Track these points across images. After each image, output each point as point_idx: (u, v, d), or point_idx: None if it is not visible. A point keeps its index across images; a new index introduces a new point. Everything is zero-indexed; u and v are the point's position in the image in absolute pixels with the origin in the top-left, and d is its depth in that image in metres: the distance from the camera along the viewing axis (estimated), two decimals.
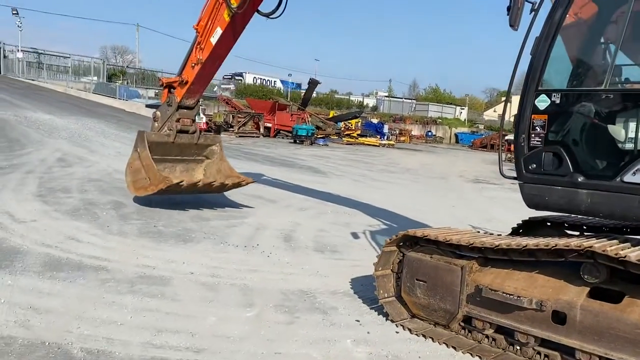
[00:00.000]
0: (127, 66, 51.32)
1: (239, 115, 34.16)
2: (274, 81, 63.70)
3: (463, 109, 72.71)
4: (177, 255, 6.71)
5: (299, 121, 34.14)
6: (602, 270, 3.96)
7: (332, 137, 37.65)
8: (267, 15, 8.22)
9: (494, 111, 76.36)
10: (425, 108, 65.40)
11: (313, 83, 40.37)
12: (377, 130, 45.61)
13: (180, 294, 5.41)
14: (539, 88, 4.39)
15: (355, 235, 8.80)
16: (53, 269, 5.80)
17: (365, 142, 38.58)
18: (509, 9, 4.34)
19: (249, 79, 59.39)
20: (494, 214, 12.17)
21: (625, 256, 3.70)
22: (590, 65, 4.56)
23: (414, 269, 4.93)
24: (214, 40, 8.38)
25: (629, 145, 4.00)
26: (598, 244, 3.94)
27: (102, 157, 15.36)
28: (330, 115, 43.86)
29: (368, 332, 4.76)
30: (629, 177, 3.95)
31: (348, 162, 23.80)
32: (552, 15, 4.33)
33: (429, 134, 53.64)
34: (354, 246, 8.13)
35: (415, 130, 53.22)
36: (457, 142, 54.53)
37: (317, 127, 35.50)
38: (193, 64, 8.75)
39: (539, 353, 4.25)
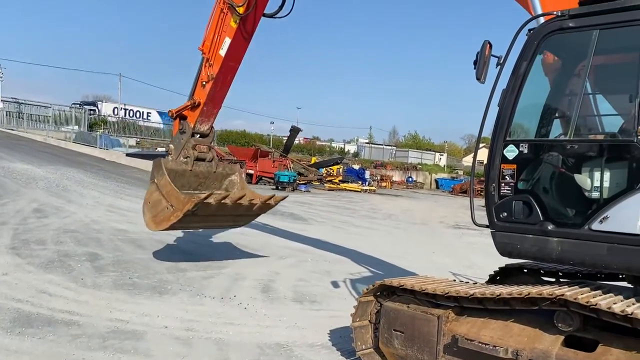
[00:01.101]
0: (108, 115, 51.39)
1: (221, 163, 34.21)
2: (148, 113, 56.34)
3: (442, 155, 73.88)
4: (152, 309, 6.57)
5: (281, 167, 34.31)
6: (575, 319, 3.97)
7: (314, 183, 37.82)
8: (272, 16, 8.10)
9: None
10: (405, 154, 66.35)
11: (295, 130, 40.87)
12: (358, 176, 45.96)
13: (154, 350, 5.26)
14: (507, 139, 4.50)
15: (335, 284, 8.73)
16: (22, 325, 5.63)
17: (347, 188, 38.76)
18: (475, 62, 4.50)
19: (106, 109, 53.02)
20: (474, 260, 12.19)
21: (596, 304, 3.73)
22: (555, 116, 4.70)
23: (392, 319, 4.88)
24: (223, 51, 7.99)
25: (595, 194, 4.10)
26: (570, 292, 3.97)
27: (80, 207, 15.17)
28: (312, 162, 44.20)
29: None
30: (596, 225, 4.02)
31: (330, 208, 23.84)
32: (517, 68, 4.50)
33: (410, 179, 54.20)
34: (333, 296, 8.05)
35: (396, 176, 53.76)
36: (437, 187, 55.10)
37: (299, 174, 35.69)
38: (204, 83, 8.20)
39: None
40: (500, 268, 6.02)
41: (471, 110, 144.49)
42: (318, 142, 63.90)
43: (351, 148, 67.11)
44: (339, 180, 41.72)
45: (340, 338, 5.95)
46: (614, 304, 3.80)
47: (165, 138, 47.70)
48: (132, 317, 6.17)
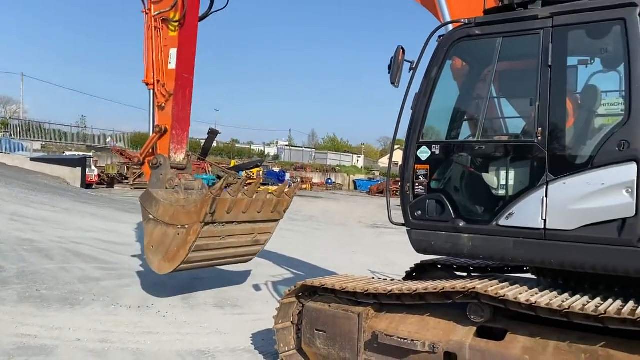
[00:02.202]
0: (10, 117, 47.88)
1: (134, 167, 32.95)
2: None
3: (360, 156, 75.58)
4: (63, 321, 6.20)
5: (199, 171, 33.58)
6: (486, 310, 4.20)
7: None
8: (207, 15, 7.85)
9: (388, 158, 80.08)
10: (325, 156, 67.24)
11: (213, 133, 40.12)
12: (279, 179, 45.94)
13: None
14: (420, 140, 4.69)
15: (257, 288, 8.68)
16: None
17: (268, 191, 38.56)
18: (389, 67, 4.66)
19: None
20: (391, 259, 12.57)
21: (504, 295, 3.98)
22: (464, 119, 4.96)
23: (314, 319, 4.93)
24: (172, 64, 7.55)
25: (502, 192, 4.37)
26: (481, 285, 4.20)
27: None
28: (232, 165, 43.65)
29: None
30: (503, 221, 4.29)
31: None
32: (428, 73, 4.70)
33: (329, 181, 54.99)
34: (255, 299, 8.00)
35: (316, 178, 54.33)
36: (355, 188, 56.29)
37: (218, 177, 35.10)
38: (162, 105, 7.58)
39: None
40: (415, 265, 6.26)
41: (386, 113, 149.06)
42: (237, 145, 63.18)
43: (271, 151, 67.05)
44: (260, 183, 41.49)
45: (263, 341, 5.92)
46: (520, 294, 4.06)
47: (73, 141, 45.23)
48: (40, 331, 5.80)
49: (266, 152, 64.35)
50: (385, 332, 4.47)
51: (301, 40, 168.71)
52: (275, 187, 35.94)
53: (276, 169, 50.35)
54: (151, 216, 6.98)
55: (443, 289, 4.26)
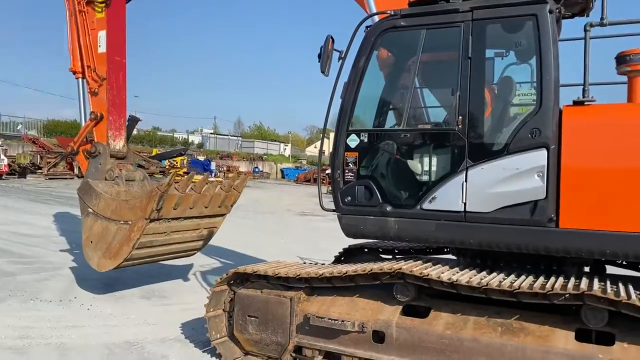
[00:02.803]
0: None
1: (49, 156, 31.20)
2: None
3: (287, 145, 75.65)
4: None
5: None
6: (411, 289, 4.42)
7: (157, 175, 36.25)
8: None
9: (315, 147, 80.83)
10: (251, 145, 66.70)
11: (133, 120, 38.57)
12: (204, 168, 45.09)
13: None
14: (349, 128, 4.83)
15: (185, 278, 8.56)
16: None
17: (193, 180, 37.81)
18: (319, 56, 4.74)
19: None
20: (321, 245, 12.76)
21: (428, 274, 4.21)
22: (390, 108, 5.15)
23: (246, 305, 4.96)
24: (102, 48, 7.19)
25: (425, 177, 4.59)
26: (406, 266, 4.41)
27: None
28: (154, 154, 42.28)
29: None
30: (426, 205, 4.51)
31: None
32: (356, 63, 4.83)
33: (256, 170, 54.63)
34: (183, 289, 7.89)
35: (243, 167, 53.79)
36: (282, 177, 56.31)
37: (140, 166, 33.92)
38: (95, 90, 7.22)
39: None
40: (344, 249, 6.45)
41: (312, 102, 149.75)
42: (159, 133, 61.21)
43: (195, 139, 65.53)
44: (183, 172, 40.58)
45: (193, 330, 5.88)
46: (442, 273, 4.31)
47: None
48: None
49: (190, 140, 62.80)
50: (316, 315, 4.60)
51: (225, 26, 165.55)
52: (200, 177, 35.38)
53: (201, 158, 49.37)
54: (90, 210, 6.66)
55: (371, 270, 4.43)
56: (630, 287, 4.00)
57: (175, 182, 6.40)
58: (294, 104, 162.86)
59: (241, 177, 7.28)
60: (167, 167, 39.84)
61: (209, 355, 5.13)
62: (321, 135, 5.33)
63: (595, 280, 4.08)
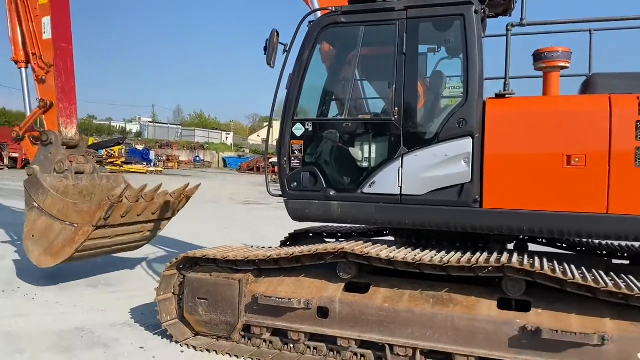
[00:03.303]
0: None
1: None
2: None
3: (229, 134, 74.90)
4: None
5: None
6: (353, 267, 4.78)
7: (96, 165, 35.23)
8: None
9: (258, 136, 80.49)
10: (192, 133, 65.61)
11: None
12: (143, 157, 44.14)
13: None
14: (295, 118, 5.10)
15: (130, 267, 8.59)
16: None
17: (132, 170, 36.96)
18: (265, 49, 4.97)
19: None
20: (264, 232, 12.99)
21: (368, 253, 4.57)
22: (333, 99, 5.45)
23: (195, 288, 5.17)
24: (48, 34, 6.99)
25: (365, 164, 4.94)
26: (348, 246, 4.76)
27: None
28: (90, 143, 40.88)
29: (153, 357, 4.83)
30: (366, 189, 4.87)
31: None
32: (301, 56, 5.10)
33: (197, 159, 53.90)
34: (129, 278, 7.94)
35: (183, 156, 52.96)
36: (225, 166, 55.87)
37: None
38: (42, 78, 7.08)
39: (309, 347, 4.88)
40: (289, 234, 6.74)
41: (254, 90, 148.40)
42: (95, 122, 59.12)
43: (133, 127, 63.79)
44: (122, 162, 39.55)
45: (142, 315, 6.01)
46: (381, 252, 4.68)
47: None
48: None
49: (128, 129, 61.11)
50: (264, 295, 4.87)
51: (163, 11, 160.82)
52: (140, 166, 34.47)
53: (140, 147, 48.17)
54: (36, 204, 6.61)
55: (316, 250, 4.75)
56: (545, 260, 4.52)
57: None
58: (236, 92, 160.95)
59: (192, 187, 7.36)
60: (104, 156, 38.68)
61: (160, 337, 5.30)
62: (266, 124, 5.59)
63: (515, 255, 4.58)
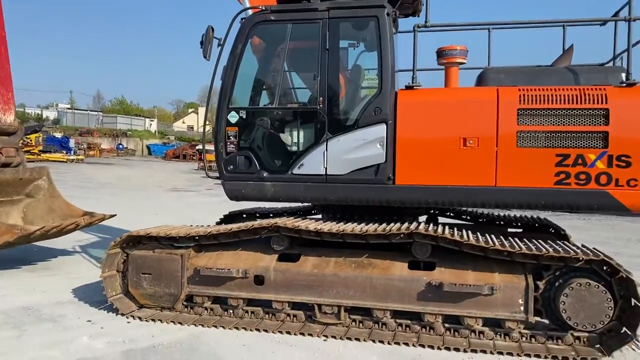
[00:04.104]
0: None
1: None
2: None
3: (152, 120, 72.95)
4: None
5: None
6: (285, 240, 5.39)
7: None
8: None
9: (183, 122, 78.91)
10: (114, 120, 63.41)
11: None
12: (62, 145, 42.44)
13: None
14: (230, 106, 5.60)
15: (65, 252, 8.75)
16: None
17: (50, 159, 35.53)
18: (201, 43, 5.42)
19: None
20: (195, 218, 13.31)
21: (299, 226, 5.19)
22: (264, 89, 5.99)
23: (139, 265, 5.59)
24: None
25: (294, 148, 5.53)
26: (281, 221, 5.36)
27: None
28: None
29: (102, 327, 5.22)
30: (296, 170, 5.47)
31: None
32: (234, 49, 5.59)
33: (120, 146, 52.40)
34: (66, 261, 8.14)
35: (105, 144, 51.32)
36: (149, 153, 54.66)
37: None
38: None
39: (247, 312, 5.45)
40: (224, 215, 7.24)
41: (178, 76, 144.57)
42: None
43: (50, 114, 60.72)
44: (39, 151, 37.84)
45: (85, 293, 6.32)
46: (310, 225, 5.32)
47: None
48: None
49: (45, 116, 58.13)
50: (205, 267, 5.39)
51: None
52: (59, 155, 33.08)
53: (58, 135, 46.19)
54: None
55: (252, 225, 5.31)
56: (447, 228, 5.33)
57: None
58: (159, 77, 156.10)
59: (97, 216, 7.65)
60: (20, 145, 36.84)
61: (106, 311, 5.67)
62: (191, 110, 6.10)
63: (423, 224, 5.37)
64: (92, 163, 37.04)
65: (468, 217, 7.08)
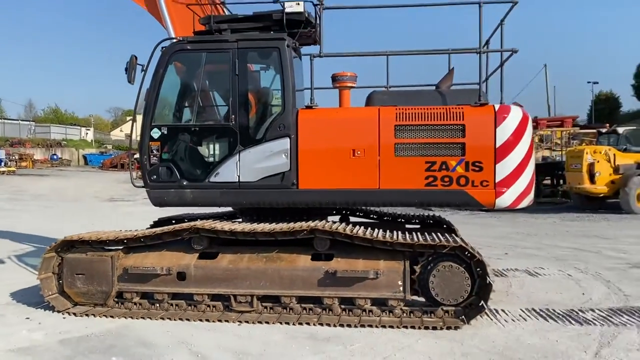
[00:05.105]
0: None
1: None
2: None
3: (89, 129, 71.22)
4: None
5: None
6: (204, 240, 6.18)
7: None
8: None
9: (121, 130, 77.40)
10: (47, 130, 61.60)
11: None
12: None
13: None
14: (152, 123, 6.35)
15: (1, 261, 9.15)
16: None
17: None
18: (126, 69, 6.15)
19: None
20: (129, 225, 13.76)
21: (215, 227, 6.00)
22: (185, 107, 6.76)
23: (73, 266, 6.22)
24: None
25: (211, 159, 6.35)
26: (200, 223, 6.15)
27: None
28: None
29: (39, 323, 5.82)
30: (212, 178, 6.28)
31: None
32: (156, 73, 6.35)
33: (54, 157, 51.08)
34: (2, 270, 8.56)
35: (38, 154, 49.92)
36: (86, 163, 53.56)
37: None
38: None
39: (171, 304, 6.19)
40: (154, 221, 7.93)
41: (114, 83, 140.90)
42: None
43: None
44: None
45: (22, 296, 6.86)
46: (225, 226, 6.14)
47: None
48: None
49: None
50: (133, 266, 6.10)
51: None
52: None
53: None
54: None
55: (174, 229, 6.08)
56: (345, 225, 6.28)
57: None
58: (95, 84, 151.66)
59: None
60: None
61: (43, 310, 6.26)
62: (129, 118, 6.77)
63: (323, 222, 6.30)
64: (24, 175, 36.17)
65: (375, 217, 8.10)
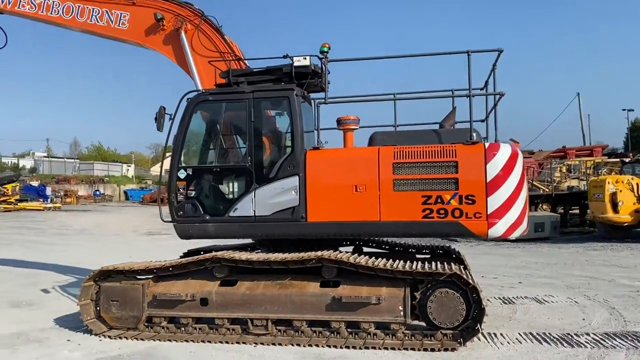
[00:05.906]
0: None
1: None
2: None
3: (130, 166, 73.98)
4: None
5: None
6: (225, 269, 6.86)
7: None
8: None
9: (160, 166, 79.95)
10: (91, 167, 64.44)
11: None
12: (39, 194, 43.34)
13: None
14: (179, 165, 7.16)
15: (46, 291, 10.03)
16: None
17: (28, 207, 36.47)
18: (155, 119, 7.02)
19: None
20: (165, 258, 14.60)
21: (234, 257, 6.67)
22: (207, 150, 7.57)
23: (109, 294, 6.98)
24: None
25: (230, 196, 7.09)
26: (220, 253, 6.84)
27: None
28: None
29: (79, 344, 6.56)
30: (232, 213, 7.01)
31: (12, 230, 22.94)
32: (182, 121, 7.19)
33: (97, 193, 53.29)
34: (48, 298, 9.42)
35: (82, 191, 52.23)
36: (127, 199, 55.55)
37: None
38: None
39: (195, 328, 6.84)
40: (184, 252, 8.67)
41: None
42: None
43: (27, 163, 61.51)
44: (16, 200, 38.72)
45: (65, 322, 7.64)
46: (243, 256, 6.81)
47: None
48: None
49: (21, 165, 58.91)
50: (162, 293, 6.82)
51: (48, 39, 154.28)
52: (36, 203, 33.96)
53: (35, 183, 47.08)
54: None
55: (197, 259, 6.80)
56: (351, 254, 6.86)
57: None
58: (135, 122, 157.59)
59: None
60: None
61: (82, 333, 7.00)
62: (169, 154, 7.50)
63: (330, 251, 6.89)
64: (69, 210, 37.96)
65: (387, 247, 8.65)
